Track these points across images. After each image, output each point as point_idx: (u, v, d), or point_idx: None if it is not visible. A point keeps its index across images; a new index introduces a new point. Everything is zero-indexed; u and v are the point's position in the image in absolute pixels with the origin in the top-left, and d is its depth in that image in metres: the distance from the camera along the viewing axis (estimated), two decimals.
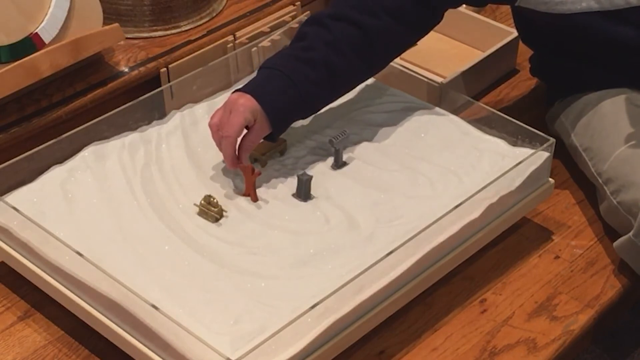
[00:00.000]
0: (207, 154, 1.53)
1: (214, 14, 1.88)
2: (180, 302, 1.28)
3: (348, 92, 1.59)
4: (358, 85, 1.60)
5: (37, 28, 1.59)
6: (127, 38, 1.77)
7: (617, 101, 1.59)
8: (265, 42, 1.77)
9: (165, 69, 1.74)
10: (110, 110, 1.56)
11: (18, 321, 1.40)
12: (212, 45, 1.80)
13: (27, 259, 1.39)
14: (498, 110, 1.60)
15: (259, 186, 1.46)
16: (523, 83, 1.88)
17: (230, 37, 1.83)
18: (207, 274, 1.33)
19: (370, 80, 1.69)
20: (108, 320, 1.30)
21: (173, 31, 1.83)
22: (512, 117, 1.57)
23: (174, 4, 1.82)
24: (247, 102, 1.43)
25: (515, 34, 1.86)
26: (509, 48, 1.88)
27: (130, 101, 1.58)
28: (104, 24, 1.68)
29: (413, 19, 1.54)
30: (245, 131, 1.45)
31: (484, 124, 1.60)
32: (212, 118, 1.45)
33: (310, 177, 1.46)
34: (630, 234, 1.43)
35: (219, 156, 1.52)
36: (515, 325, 1.41)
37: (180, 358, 1.22)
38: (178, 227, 1.41)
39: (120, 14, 1.79)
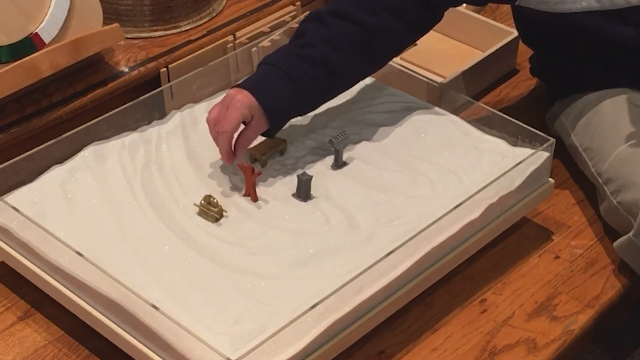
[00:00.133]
0: (207, 154, 1.53)
1: (214, 14, 1.88)
2: (180, 302, 1.28)
3: (346, 89, 1.58)
4: (357, 83, 1.60)
5: (37, 28, 1.59)
6: (127, 38, 1.77)
7: (617, 101, 1.59)
8: (265, 42, 1.77)
9: (165, 69, 1.74)
10: (110, 110, 1.56)
11: (18, 321, 1.40)
12: (212, 45, 1.80)
13: (27, 259, 1.39)
14: (498, 110, 1.60)
15: (259, 186, 1.46)
16: (523, 83, 1.88)
17: (230, 37, 1.83)
18: (207, 274, 1.33)
19: (370, 80, 1.69)
20: (108, 320, 1.30)
21: (173, 31, 1.83)
22: (512, 117, 1.57)
23: (174, 4, 1.82)
24: (244, 98, 1.43)
25: (515, 34, 1.86)
26: (509, 48, 1.88)
27: (130, 101, 1.58)
28: (104, 24, 1.68)
29: (413, 18, 1.54)
30: (243, 127, 1.45)
31: (484, 124, 1.60)
32: (209, 113, 1.46)
33: (310, 177, 1.46)
34: (630, 234, 1.43)
35: (219, 156, 1.52)
36: (515, 325, 1.41)
37: (180, 358, 1.22)
38: (178, 227, 1.41)
39: (120, 14, 1.79)
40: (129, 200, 1.45)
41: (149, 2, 1.80)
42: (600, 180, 1.54)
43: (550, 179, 1.55)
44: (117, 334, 1.29)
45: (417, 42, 1.71)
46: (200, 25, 1.85)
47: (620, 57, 1.61)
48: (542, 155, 1.51)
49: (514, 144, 1.56)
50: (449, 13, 1.62)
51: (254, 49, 1.76)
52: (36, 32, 1.59)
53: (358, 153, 1.55)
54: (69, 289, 1.34)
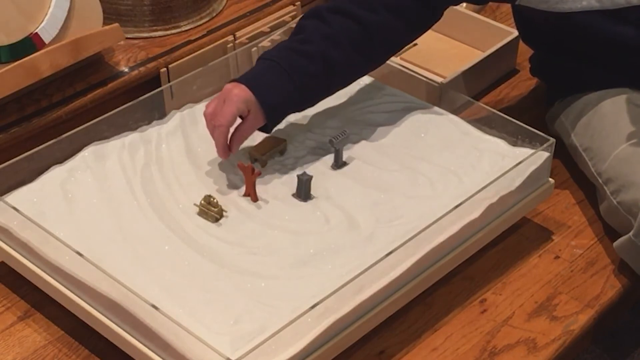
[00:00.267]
0: (207, 154, 1.53)
1: (214, 14, 1.88)
2: (180, 302, 1.28)
3: (345, 87, 1.58)
4: (355, 80, 1.60)
5: (37, 28, 1.60)
6: (127, 38, 1.77)
7: (617, 101, 1.59)
8: (265, 42, 1.77)
9: (165, 69, 1.74)
10: (110, 110, 1.56)
11: (18, 321, 1.40)
12: (212, 45, 1.80)
13: (27, 259, 1.39)
14: (498, 110, 1.60)
15: (259, 186, 1.46)
16: (523, 83, 1.88)
17: (230, 37, 1.83)
18: (207, 274, 1.33)
19: (370, 80, 1.69)
20: (108, 320, 1.30)
21: (173, 31, 1.83)
22: (512, 117, 1.57)
23: (174, 4, 1.82)
24: (241, 92, 1.43)
25: (515, 34, 1.86)
26: (509, 48, 1.88)
27: (130, 101, 1.58)
28: (104, 24, 1.68)
29: (412, 16, 1.54)
30: (240, 121, 1.45)
31: (484, 124, 1.60)
32: (207, 107, 1.46)
33: (310, 177, 1.46)
34: (630, 234, 1.43)
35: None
36: (515, 325, 1.41)
37: (180, 358, 1.22)
38: (178, 227, 1.41)
39: (120, 14, 1.79)
40: (129, 200, 1.45)
41: (149, 2, 1.80)
42: (600, 180, 1.54)
43: (550, 179, 1.55)
44: (117, 334, 1.29)
45: (417, 42, 1.71)
46: (200, 25, 1.85)
47: (621, 56, 1.61)
48: (542, 155, 1.51)
49: (514, 144, 1.56)
50: (449, 13, 1.62)
51: (254, 49, 1.76)
52: (36, 32, 1.59)
53: (358, 153, 1.55)
54: (69, 289, 1.34)
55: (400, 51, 1.79)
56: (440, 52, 1.92)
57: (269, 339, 1.20)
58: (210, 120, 1.45)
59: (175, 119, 1.60)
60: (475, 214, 1.43)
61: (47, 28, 1.60)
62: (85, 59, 1.67)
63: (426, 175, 1.50)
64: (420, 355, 1.36)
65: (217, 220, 1.42)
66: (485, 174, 1.49)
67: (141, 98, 1.59)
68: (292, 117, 1.60)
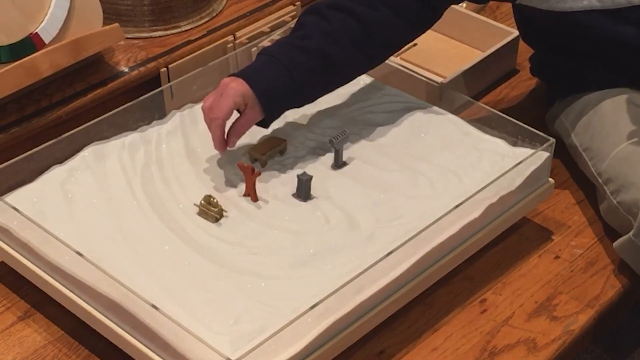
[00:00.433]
0: (207, 154, 1.53)
1: (214, 14, 1.88)
2: (180, 302, 1.28)
3: (345, 84, 1.58)
4: (355, 77, 1.59)
5: (37, 28, 1.60)
6: (127, 38, 1.78)
7: (617, 101, 1.59)
8: (265, 42, 1.77)
9: (165, 69, 1.74)
10: (110, 110, 1.56)
11: (18, 321, 1.40)
12: (212, 45, 1.80)
13: (27, 259, 1.39)
14: (498, 110, 1.60)
15: (259, 186, 1.46)
16: (523, 83, 1.88)
17: (230, 37, 1.83)
18: (207, 274, 1.33)
19: (370, 80, 1.69)
20: (108, 320, 1.30)
21: (173, 31, 1.83)
22: (512, 117, 1.57)
23: (174, 4, 1.82)
24: (238, 86, 1.43)
25: (515, 34, 1.86)
26: (509, 48, 1.88)
27: (130, 101, 1.58)
28: (104, 24, 1.68)
29: (412, 15, 1.54)
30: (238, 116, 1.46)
31: (484, 124, 1.60)
32: (204, 101, 1.46)
33: (310, 177, 1.46)
34: (630, 234, 1.43)
35: (219, 156, 1.52)
36: (515, 325, 1.41)
37: (180, 358, 1.22)
38: (178, 227, 1.41)
39: (120, 14, 1.79)
40: (129, 200, 1.45)
41: (149, 2, 1.80)
42: (600, 180, 1.54)
43: (550, 179, 1.55)
44: (117, 334, 1.29)
45: (417, 42, 1.71)
46: (200, 25, 1.85)
47: (621, 56, 1.61)
48: (542, 155, 1.51)
49: (514, 144, 1.56)
50: (449, 13, 1.62)
51: (254, 49, 1.76)
52: (36, 32, 1.59)
53: (358, 153, 1.55)
54: (69, 289, 1.34)
55: (400, 51, 1.79)
56: (440, 52, 1.92)
57: (269, 339, 1.20)
58: (208, 113, 1.45)
59: (175, 119, 1.60)
60: (475, 214, 1.43)
61: (47, 28, 1.60)
62: (85, 59, 1.67)
63: (426, 175, 1.50)
64: (420, 355, 1.36)
65: (217, 220, 1.42)
66: (485, 174, 1.49)
67: (141, 98, 1.59)
68: (292, 117, 1.60)
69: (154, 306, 1.23)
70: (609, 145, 1.54)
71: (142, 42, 1.79)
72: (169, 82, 1.71)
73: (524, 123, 1.56)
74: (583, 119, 1.62)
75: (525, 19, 1.71)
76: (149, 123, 1.60)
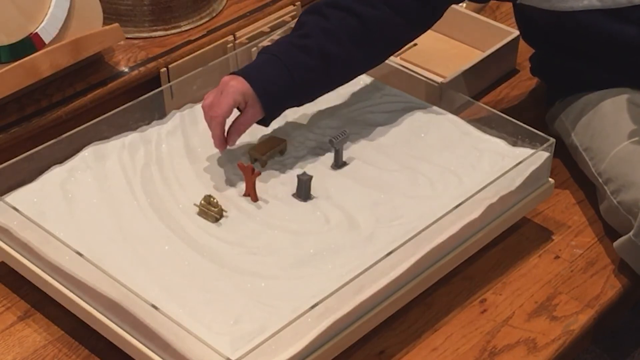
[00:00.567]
0: (207, 154, 1.53)
1: (214, 14, 1.88)
2: (180, 302, 1.28)
3: (345, 83, 1.58)
4: (355, 76, 1.59)
5: (37, 28, 1.60)
6: (127, 38, 1.77)
7: (617, 101, 1.59)
8: (265, 42, 1.77)
9: (165, 69, 1.74)
10: (110, 110, 1.56)
11: (18, 321, 1.40)
12: (212, 45, 1.80)
13: (27, 259, 1.39)
14: (498, 110, 1.60)
15: (259, 186, 1.46)
16: (523, 83, 1.88)
17: (230, 37, 1.83)
18: (207, 274, 1.33)
19: (369, 80, 1.69)
20: (108, 320, 1.30)
21: (173, 31, 1.83)
22: (512, 117, 1.57)
23: (174, 4, 1.82)
24: (238, 85, 1.43)
25: (515, 34, 1.86)
26: (509, 48, 1.88)
27: (130, 101, 1.58)
28: (104, 24, 1.68)
29: (413, 14, 1.54)
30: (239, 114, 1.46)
31: (484, 124, 1.60)
32: (204, 99, 1.46)
33: (310, 177, 1.46)
34: (631, 233, 1.43)
35: (219, 156, 1.52)
36: (515, 325, 1.41)
37: (180, 358, 1.22)
38: (178, 227, 1.41)
39: (120, 14, 1.79)
40: (129, 200, 1.45)
41: (149, 2, 1.80)
42: (600, 180, 1.54)
43: (550, 179, 1.55)
44: (117, 334, 1.29)
45: (417, 42, 1.71)
46: (200, 25, 1.85)
47: (621, 56, 1.61)
48: (542, 155, 1.51)
49: (514, 144, 1.56)
50: (449, 13, 1.62)
51: (254, 49, 1.76)
52: (36, 32, 1.59)
53: (358, 153, 1.55)
54: (69, 289, 1.34)
55: (400, 51, 1.79)
56: (440, 52, 1.92)
57: (269, 339, 1.20)
58: (208, 111, 1.45)
59: (175, 119, 1.60)
60: (475, 214, 1.43)
61: (47, 28, 1.60)
62: (85, 59, 1.67)
63: (426, 175, 1.50)
64: (420, 355, 1.36)
65: (217, 220, 1.42)
66: (485, 174, 1.49)
67: (141, 98, 1.59)
68: (292, 117, 1.60)
69: (154, 306, 1.23)
70: (609, 145, 1.54)
71: (142, 42, 1.79)
72: (169, 82, 1.71)
73: (524, 123, 1.56)
74: (583, 118, 1.62)
75: (525, 18, 1.71)
76: (149, 123, 1.60)
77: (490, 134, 1.58)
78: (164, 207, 1.44)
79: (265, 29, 1.85)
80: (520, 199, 1.50)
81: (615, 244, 1.48)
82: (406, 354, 1.36)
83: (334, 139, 1.51)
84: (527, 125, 1.55)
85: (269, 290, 1.31)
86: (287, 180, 1.49)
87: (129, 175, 1.49)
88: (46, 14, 1.60)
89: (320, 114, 1.62)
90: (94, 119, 1.54)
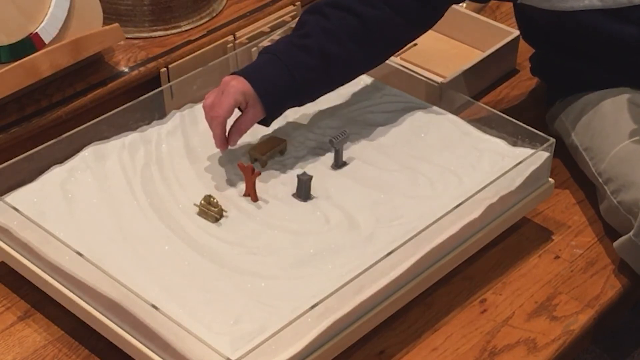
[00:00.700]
0: (207, 154, 1.53)
1: (214, 14, 1.88)
2: (180, 302, 1.28)
3: (345, 82, 1.58)
4: (356, 76, 1.59)
5: (37, 28, 1.60)
6: (127, 38, 1.77)
7: (617, 101, 1.59)
8: (265, 42, 1.77)
9: (165, 69, 1.74)
10: (110, 110, 1.56)
11: (18, 321, 1.40)
12: (212, 45, 1.80)
13: (27, 259, 1.39)
14: (498, 110, 1.60)
15: (259, 186, 1.46)
16: (523, 83, 1.88)
17: (230, 37, 1.83)
18: (207, 274, 1.33)
19: (370, 80, 1.69)
20: (108, 320, 1.30)
21: (173, 31, 1.83)
22: (512, 117, 1.57)
23: (174, 4, 1.82)
24: (239, 84, 1.44)
25: (515, 34, 1.86)
26: (509, 48, 1.88)
27: (130, 101, 1.58)
28: (104, 24, 1.68)
29: (413, 14, 1.54)
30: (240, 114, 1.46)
31: (484, 124, 1.60)
32: (205, 99, 1.46)
33: (310, 177, 1.46)
34: (631, 233, 1.43)
35: (220, 156, 1.52)
36: (515, 325, 1.41)
37: (180, 358, 1.22)
38: (178, 227, 1.41)
39: (120, 14, 1.79)
40: (129, 200, 1.45)
41: (149, 2, 1.80)
42: (600, 180, 1.54)
43: (550, 179, 1.55)
44: (117, 334, 1.29)
45: (417, 42, 1.71)
46: (200, 25, 1.85)
47: (621, 56, 1.61)
48: (542, 155, 1.51)
49: (514, 144, 1.56)
50: (449, 13, 1.62)
51: (254, 49, 1.76)
52: (36, 32, 1.59)
53: (358, 153, 1.55)
54: (69, 289, 1.34)
55: (400, 51, 1.79)
56: (440, 52, 1.92)
57: (269, 339, 1.20)
58: (209, 111, 1.45)
59: (175, 119, 1.60)
60: (475, 214, 1.43)
61: (47, 28, 1.60)
62: (85, 59, 1.67)
63: (426, 175, 1.50)
64: (420, 355, 1.36)
65: (217, 220, 1.42)
66: (485, 174, 1.49)
67: (141, 98, 1.59)
68: (292, 117, 1.60)
69: (154, 306, 1.23)
70: (609, 145, 1.54)
71: (142, 42, 1.79)
72: (169, 82, 1.71)
73: (524, 123, 1.56)
74: (583, 118, 1.62)
75: (526, 18, 1.71)
76: (149, 123, 1.60)
77: (490, 134, 1.58)
78: (164, 207, 1.44)
79: (265, 29, 1.85)
80: (520, 199, 1.50)
81: (615, 244, 1.48)
82: (406, 354, 1.36)
83: (334, 139, 1.51)
84: (527, 125, 1.55)
85: (269, 290, 1.31)
86: (287, 180, 1.49)
87: (129, 175, 1.49)
88: (46, 14, 1.60)
89: (321, 114, 1.62)
90: (94, 119, 1.54)
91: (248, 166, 1.45)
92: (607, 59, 1.62)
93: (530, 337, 1.39)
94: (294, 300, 1.28)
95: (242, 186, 1.47)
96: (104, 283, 1.28)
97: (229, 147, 1.49)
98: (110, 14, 1.77)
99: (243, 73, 1.46)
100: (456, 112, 1.63)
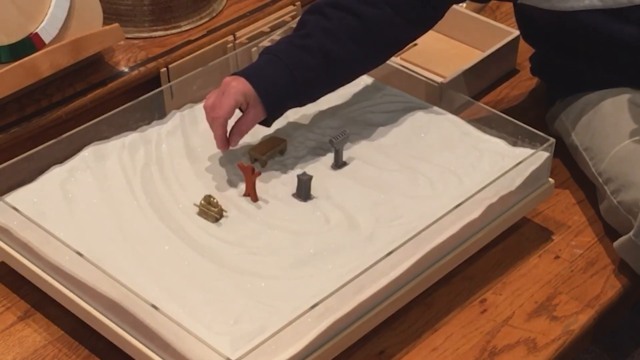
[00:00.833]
0: (207, 154, 1.53)
1: (214, 14, 1.88)
2: (180, 302, 1.28)
3: (346, 82, 1.58)
4: (357, 76, 1.59)
5: (37, 28, 1.60)
6: (127, 38, 1.77)
7: (618, 101, 1.59)
8: (265, 42, 1.77)
9: (165, 69, 1.74)
10: (110, 110, 1.56)
11: (18, 321, 1.40)
12: (212, 45, 1.80)
13: (27, 259, 1.39)
14: (498, 110, 1.60)
15: (259, 186, 1.46)
16: (523, 83, 1.88)
17: (230, 37, 1.83)
18: (207, 274, 1.33)
19: (370, 80, 1.69)
20: (108, 320, 1.30)
21: (173, 31, 1.83)
22: (512, 117, 1.57)
23: (174, 4, 1.82)
24: (239, 85, 1.44)
25: (515, 34, 1.86)
26: (509, 48, 1.88)
27: (130, 101, 1.58)
28: (104, 24, 1.68)
29: (413, 14, 1.54)
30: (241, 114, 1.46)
31: (484, 124, 1.60)
32: (206, 100, 1.46)
33: (310, 177, 1.46)
34: (631, 233, 1.43)
35: (220, 156, 1.52)
36: (515, 325, 1.41)
37: (180, 358, 1.22)
38: (178, 227, 1.41)
39: (120, 14, 1.79)
40: (129, 200, 1.45)
41: (149, 2, 1.80)
42: (600, 180, 1.54)
43: (550, 179, 1.55)
44: (117, 334, 1.29)
45: (417, 42, 1.71)
46: (200, 25, 1.85)
47: (622, 56, 1.61)
48: (542, 155, 1.51)
49: (514, 144, 1.56)
50: (449, 13, 1.62)
51: (254, 49, 1.76)
52: (36, 32, 1.59)
53: (358, 153, 1.55)
54: (69, 289, 1.34)
55: (400, 51, 1.79)
56: (440, 52, 1.92)
57: (269, 339, 1.20)
58: (209, 112, 1.45)
59: (175, 119, 1.60)
60: (475, 214, 1.43)
61: (47, 28, 1.60)
62: (85, 59, 1.67)
63: (426, 175, 1.50)
64: (420, 355, 1.36)
65: (217, 220, 1.42)
66: (485, 174, 1.49)
67: (141, 98, 1.59)
68: (293, 117, 1.60)
69: (154, 306, 1.23)
70: (609, 145, 1.54)
71: (142, 42, 1.79)
72: (169, 82, 1.71)
73: (524, 123, 1.56)
74: (583, 118, 1.62)
75: (526, 18, 1.71)
76: (149, 123, 1.60)
77: (490, 134, 1.58)
78: (164, 207, 1.44)
79: (265, 29, 1.85)
80: (520, 199, 1.50)
81: (615, 244, 1.48)
82: (406, 354, 1.36)
83: (334, 139, 1.51)
84: (527, 125, 1.55)
85: (269, 290, 1.31)
86: (287, 180, 1.49)
87: (129, 175, 1.49)
88: (46, 14, 1.60)
89: (321, 114, 1.62)
90: (94, 119, 1.54)
91: (248, 166, 1.45)
92: (607, 59, 1.62)
93: (530, 337, 1.39)
94: (294, 300, 1.28)
95: (242, 186, 1.47)
96: (104, 283, 1.28)
97: (230, 148, 1.49)
98: (110, 14, 1.77)
99: (243, 74, 1.46)
100: (456, 112, 1.63)
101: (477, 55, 1.85)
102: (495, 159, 1.53)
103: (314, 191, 1.47)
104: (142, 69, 1.73)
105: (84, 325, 1.35)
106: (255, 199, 1.46)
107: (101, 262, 1.29)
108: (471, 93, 1.80)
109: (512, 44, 1.88)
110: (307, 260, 1.36)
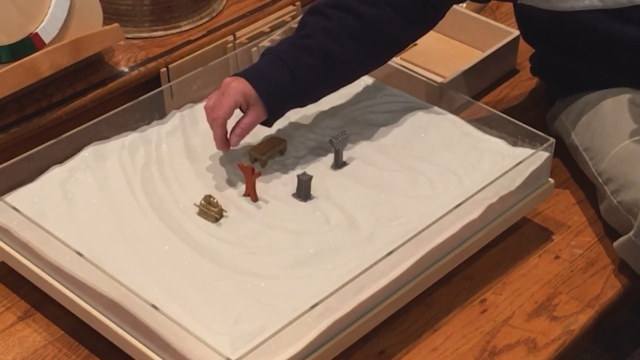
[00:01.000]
0: (207, 154, 1.53)
1: (214, 14, 1.88)
2: (180, 302, 1.28)
3: (347, 83, 1.58)
4: (358, 77, 1.59)
5: (37, 28, 1.60)
6: (127, 38, 1.78)
7: (618, 101, 1.59)
8: (265, 42, 1.77)
9: (165, 69, 1.74)
10: (110, 110, 1.56)
11: (18, 321, 1.40)
12: (212, 45, 1.80)
13: (27, 259, 1.39)
14: (498, 110, 1.60)
15: (259, 186, 1.46)
16: (523, 83, 1.88)
17: (230, 37, 1.83)
18: (207, 274, 1.33)
19: (370, 80, 1.69)
20: (108, 320, 1.30)
21: (173, 31, 1.83)
22: (512, 117, 1.57)
23: (174, 4, 1.82)
24: (239, 85, 1.44)
25: (515, 34, 1.86)
26: (509, 48, 1.88)
27: (130, 101, 1.58)
28: (104, 24, 1.68)
29: (413, 15, 1.54)
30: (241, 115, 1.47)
31: (484, 124, 1.60)
32: (207, 101, 1.47)
33: (310, 177, 1.46)
34: (631, 233, 1.43)
35: (220, 156, 1.52)
36: (515, 325, 1.41)
37: (180, 358, 1.22)
38: (178, 227, 1.41)
39: (120, 14, 1.79)
40: (129, 200, 1.45)
41: (149, 2, 1.80)
42: (600, 180, 1.54)
43: (550, 179, 1.55)
44: (117, 334, 1.29)
45: (417, 42, 1.71)
46: (200, 25, 1.85)
47: (622, 56, 1.61)
48: (542, 155, 1.51)
49: (514, 144, 1.56)
50: (449, 13, 1.62)
51: (254, 49, 1.76)
52: (36, 32, 1.59)
53: (358, 153, 1.55)
54: (69, 289, 1.34)
55: (401, 51, 1.79)
56: (440, 52, 1.92)
57: (269, 339, 1.20)
58: (210, 113, 1.46)
59: (175, 119, 1.60)
60: (475, 214, 1.43)
61: (47, 28, 1.60)
62: (85, 59, 1.67)
63: (426, 175, 1.50)
64: (420, 355, 1.36)
65: (217, 220, 1.42)
66: (485, 174, 1.49)
67: (141, 98, 1.59)
68: (293, 117, 1.60)
69: (154, 306, 1.23)
70: (609, 145, 1.54)
71: (142, 42, 1.79)
72: (169, 82, 1.71)
73: (524, 123, 1.56)
74: (583, 118, 1.62)
75: (526, 18, 1.71)
76: (149, 123, 1.60)
77: (490, 134, 1.58)
78: (164, 207, 1.44)
79: (265, 29, 1.85)
80: (520, 199, 1.50)
81: (615, 244, 1.48)
82: (406, 354, 1.36)
83: (334, 139, 1.51)
84: (527, 125, 1.55)
85: (269, 290, 1.31)
86: (287, 180, 1.49)
87: (129, 175, 1.49)
88: (46, 14, 1.60)
89: (321, 114, 1.62)
90: (94, 119, 1.54)
91: (248, 166, 1.45)
92: (607, 59, 1.62)
93: (530, 337, 1.39)
94: (294, 300, 1.28)
95: (242, 186, 1.47)
96: (104, 283, 1.28)
97: (230, 148, 1.49)
98: (110, 14, 1.77)
99: (244, 74, 1.46)
100: (456, 112, 1.63)
101: (477, 55, 1.85)
102: (495, 159, 1.53)
103: (314, 191, 1.47)
104: (142, 69, 1.73)
105: (84, 325, 1.35)
106: (255, 199, 1.46)
107: (101, 262, 1.29)
108: (471, 93, 1.80)
109: (512, 44, 1.88)
110: (307, 260, 1.36)
